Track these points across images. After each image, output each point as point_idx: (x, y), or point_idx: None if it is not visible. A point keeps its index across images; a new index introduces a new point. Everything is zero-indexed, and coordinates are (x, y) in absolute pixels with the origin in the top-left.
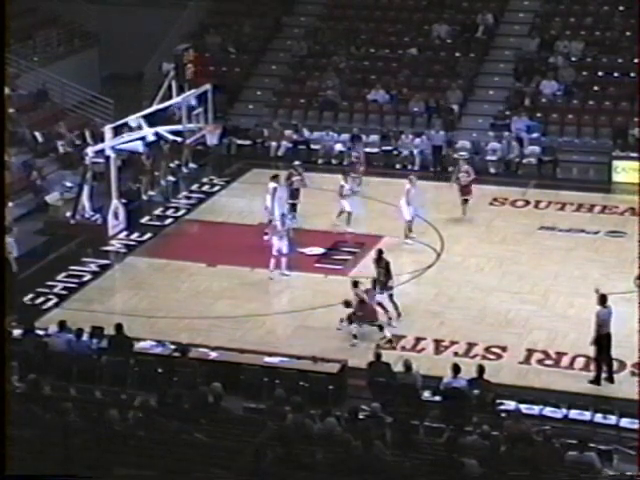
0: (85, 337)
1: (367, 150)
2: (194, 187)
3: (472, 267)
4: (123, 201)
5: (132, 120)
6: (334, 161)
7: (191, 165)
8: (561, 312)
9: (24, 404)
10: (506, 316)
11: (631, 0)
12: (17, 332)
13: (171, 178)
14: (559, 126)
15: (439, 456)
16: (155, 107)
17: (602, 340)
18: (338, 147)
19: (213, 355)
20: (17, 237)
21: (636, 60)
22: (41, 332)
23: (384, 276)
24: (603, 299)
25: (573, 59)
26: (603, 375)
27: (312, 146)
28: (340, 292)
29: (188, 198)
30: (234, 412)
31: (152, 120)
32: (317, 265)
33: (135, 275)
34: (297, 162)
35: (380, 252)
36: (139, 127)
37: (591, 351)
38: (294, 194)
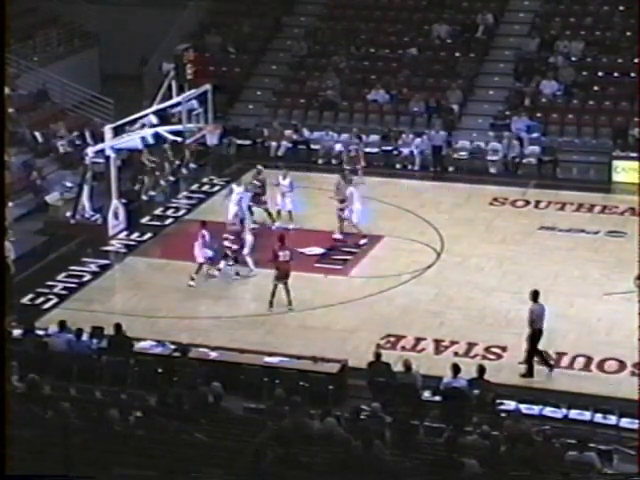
0: (85, 337)
1: (367, 150)
2: (194, 187)
3: (472, 267)
4: (123, 201)
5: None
6: (334, 161)
7: (191, 165)
8: (561, 312)
9: (24, 404)
10: (506, 316)
11: (631, 0)
12: (17, 332)
13: (171, 178)
14: (559, 126)
15: (439, 456)
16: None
17: (535, 335)
18: (338, 147)
19: (213, 355)
20: (17, 237)
21: (636, 60)
22: (41, 332)
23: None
24: (535, 295)
25: (573, 59)
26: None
27: (312, 146)
28: (340, 292)
29: (188, 198)
30: (234, 412)
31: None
32: (317, 265)
33: (135, 275)
34: (260, 167)
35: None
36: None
37: (570, 347)
38: (254, 198)
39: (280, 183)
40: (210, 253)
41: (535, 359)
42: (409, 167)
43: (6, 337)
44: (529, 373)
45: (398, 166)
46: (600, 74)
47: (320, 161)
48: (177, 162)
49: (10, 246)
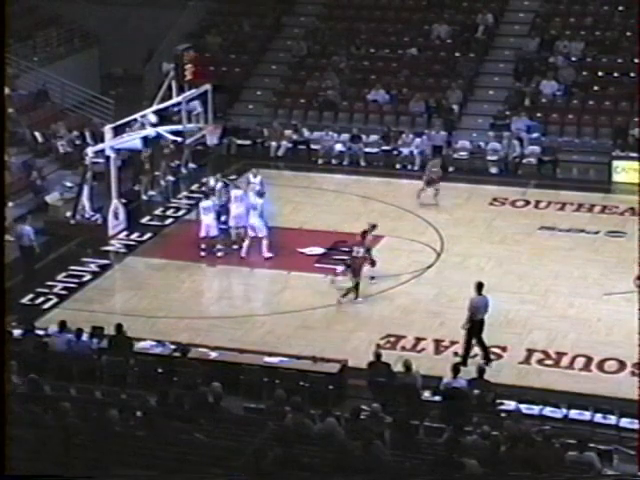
0: (85, 337)
1: (367, 150)
2: (194, 187)
3: (472, 267)
4: (123, 201)
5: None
6: (334, 161)
7: (191, 165)
8: (561, 312)
9: (24, 404)
10: (506, 316)
11: (631, 0)
12: (17, 332)
13: (171, 178)
14: (559, 126)
15: (439, 456)
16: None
17: (474, 326)
18: (338, 147)
19: (213, 355)
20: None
21: (636, 60)
22: (41, 332)
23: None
24: (479, 287)
25: (573, 59)
26: (477, 359)
27: (312, 146)
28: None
29: (188, 198)
30: (234, 412)
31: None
32: (317, 265)
33: (135, 275)
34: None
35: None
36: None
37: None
38: None
39: (251, 182)
40: (216, 231)
41: (471, 350)
42: (409, 167)
43: (6, 337)
44: (463, 362)
45: (398, 166)
46: (600, 74)
47: (320, 161)
48: (177, 162)
49: (31, 231)
